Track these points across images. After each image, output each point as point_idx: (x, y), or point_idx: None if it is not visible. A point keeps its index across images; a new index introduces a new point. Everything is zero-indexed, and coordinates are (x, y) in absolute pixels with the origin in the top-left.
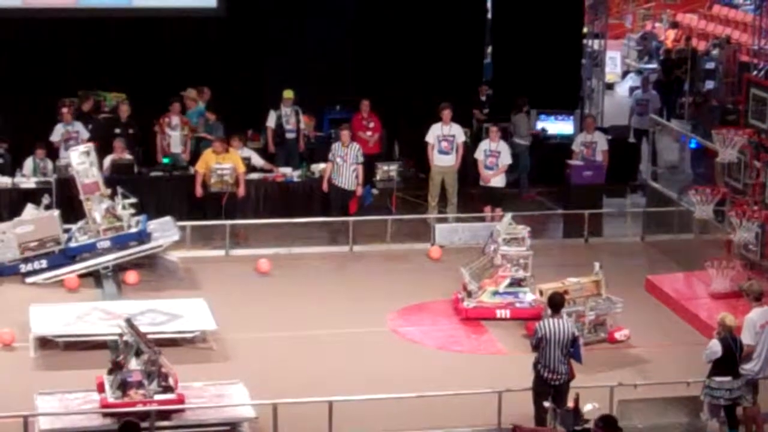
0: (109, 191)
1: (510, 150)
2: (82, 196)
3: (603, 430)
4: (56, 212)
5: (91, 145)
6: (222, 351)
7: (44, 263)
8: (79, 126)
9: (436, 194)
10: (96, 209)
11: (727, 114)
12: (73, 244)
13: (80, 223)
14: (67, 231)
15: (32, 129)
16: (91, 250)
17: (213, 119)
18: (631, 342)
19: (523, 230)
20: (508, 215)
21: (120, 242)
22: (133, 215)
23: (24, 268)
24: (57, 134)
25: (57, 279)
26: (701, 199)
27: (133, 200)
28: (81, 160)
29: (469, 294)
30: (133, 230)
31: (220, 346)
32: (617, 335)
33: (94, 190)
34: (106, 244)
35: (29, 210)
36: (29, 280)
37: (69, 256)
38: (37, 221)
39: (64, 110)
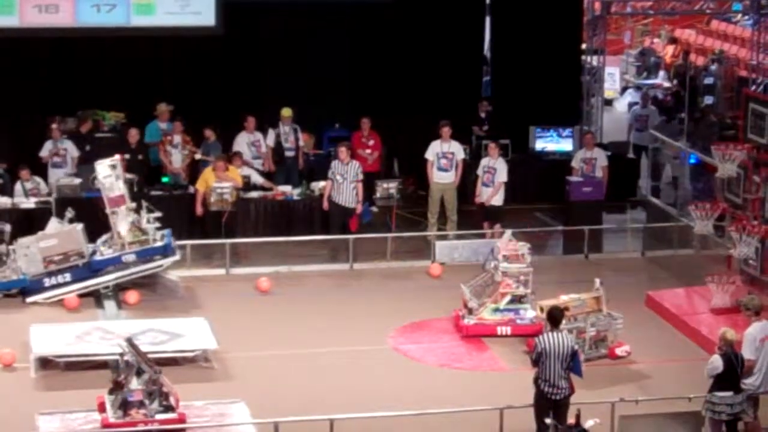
0: (134, 205)
1: (507, 167)
2: (107, 210)
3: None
4: (80, 225)
5: (117, 158)
6: (223, 370)
7: (68, 277)
8: (68, 143)
9: (435, 211)
10: (121, 223)
11: (725, 129)
12: (98, 258)
13: (105, 237)
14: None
15: (32, 149)
16: (116, 263)
17: (212, 138)
18: (632, 358)
19: (523, 247)
20: (508, 232)
21: (145, 256)
22: (158, 229)
23: (48, 282)
24: (45, 150)
25: (59, 298)
26: (701, 215)
27: (158, 214)
28: (107, 173)
29: (470, 311)
30: (158, 244)
31: (221, 365)
32: (618, 351)
33: (120, 203)
34: (132, 257)
35: (53, 223)
36: (30, 299)
37: (93, 270)
38: (60, 235)
39: (54, 126)
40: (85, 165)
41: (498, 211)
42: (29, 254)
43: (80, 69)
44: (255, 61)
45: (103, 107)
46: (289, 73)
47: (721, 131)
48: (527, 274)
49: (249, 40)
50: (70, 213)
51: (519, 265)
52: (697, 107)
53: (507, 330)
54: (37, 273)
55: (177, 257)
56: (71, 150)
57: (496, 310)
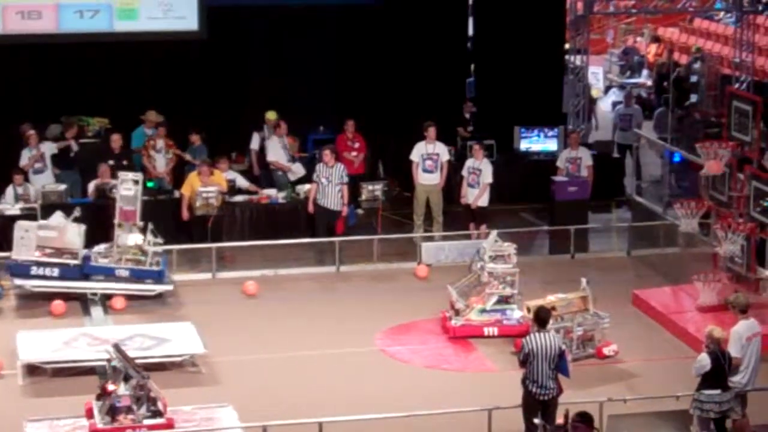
0: (141, 224)
1: (492, 168)
2: (116, 221)
3: (581, 425)
4: (82, 227)
5: (140, 175)
6: (211, 374)
7: (56, 272)
8: (44, 147)
9: (421, 213)
10: (125, 237)
11: (709, 127)
12: (92, 263)
13: (103, 246)
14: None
15: (14, 156)
16: (108, 273)
17: (197, 142)
18: (620, 357)
19: (509, 247)
20: (494, 232)
21: (138, 276)
22: (156, 254)
23: (35, 271)
24: (24, 158)
25: (47, 291)
26: (686, 213)
27: (160, 241)
28: (129, 186)
29: (457, 312)
30: (154, 268)
31: (209, 369)
32: (605, 350)
33: (130, 219)
34: (125, 273)
35: (57, 217)
36: (18, 281)
37: (83, 273)
38: (62, 229)
39: (30, 133)
40: (68, 171)
41: (484, 212)
42: (26, 238)
43: (64, 75)
44: (239, 64)
45: (87, 113)
46: (273, 76)
47: (706, 129)
48: (513, 274)
49: (233, 43)
50: (77, 212)
51: (505, 266)
52: (681, 105)
53: (494, 330)
54: (27, 259)
55: (170, 287)
56: (47, 154)
57: (483, 311)
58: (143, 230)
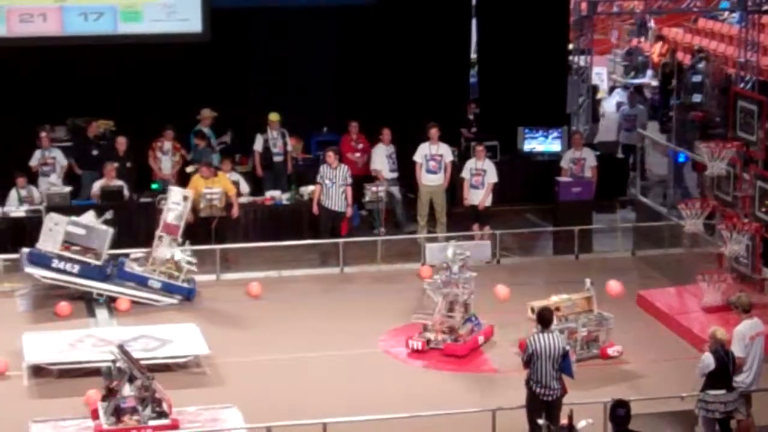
0: (181, 240)
1: (496, 168)
2: (157, 232)
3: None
4: (111, 230)
5: (191, 192)
6: (215, 375)
7: (76, 269)
8: (56, 152)
9: (424, 214)
10: (163, 249)
11: (710, 127)
12: (126, 269)
13: (139, 254)
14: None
15: (20, 158)
16: (140, 282)
17: (202, 145)
18: (624, 357)
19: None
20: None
21: (168, 290)
22: (189, 273)
23: (56, 263)
24: (35, 159)
25: (60, 285)
26: (691, 213)
27: (194, 260)
28: (178, 201)
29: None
30: (185, 285)
31: (213, 370)
32: (610, 351)
33: (173, 233)
34: (157, 284)
35: (89, 216)
36: (29, 269)
37: (103, 275)
38: (91, 229)
39: (43, 135)
40: (91, 171)
41: (487, 212)
42: (53, 230)
43: (68, 77)
44: (242, 66)
45: (92, 115)
46: (276, 77)
47: (707, 129)
48: (467, 280)
49: (236, 45)
50: (109, 215)
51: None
52: (683, 105)
53: (481, 338)
54: (51, 251)
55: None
56: (60, 159)
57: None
58: (181, 245)
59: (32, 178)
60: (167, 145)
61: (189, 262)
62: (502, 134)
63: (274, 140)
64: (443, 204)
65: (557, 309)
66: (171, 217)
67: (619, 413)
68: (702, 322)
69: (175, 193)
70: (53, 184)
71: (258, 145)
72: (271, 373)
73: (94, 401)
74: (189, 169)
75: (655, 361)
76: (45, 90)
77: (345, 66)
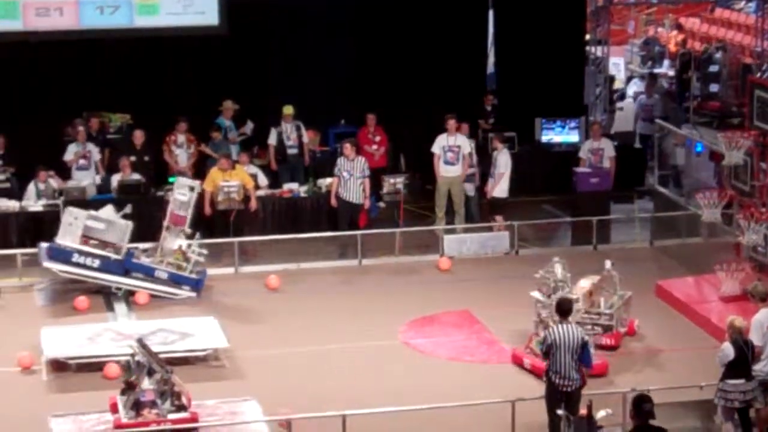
0: (189, 231)
1: (507, 159)
2: (165, 223)
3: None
4: (130, 224)
5: (198, 183)
6: (234, 368)
7: (96, 263)
8: (91, 146)
9: (443, 205)
10: (171, 241)
11: (727, 117)
12: (134, 260)
13: (148, 246)
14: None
15: (38, 152)
16: (148, 273)
17: (218, 138)
18: (643, 346)
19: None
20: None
21: (176, 280)
22: (198, 264)
23: (76, 258)
24: (70, 153)
25: (76, 278)
26: (709, 203)
27: (204, 252)
28: (184, 192)
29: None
30: (193, 276)
31: (232, 363)
32: (635, 327)
33: (180, 224)
34: (164, 275)
35: (108, 210)
36: (47, 264)
37: (123, 269)
38: (110, 223)
39: (80, 129)
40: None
41: (499, 203)
42: (73, 224)
43: (85, 71)
44: (259, 59)
45: (109, 109)
46: (293, 70)
47: (722, 119)
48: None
49: (253, 38)
50: (128, 209)
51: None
52: (701, 94)
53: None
54: (70, 245)
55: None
56: (94, 153)
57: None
58: (190, 237)
59: (66, 173)
60: (181, 138)
61: (200, 253)
62: (520, 125)
63: (288, 133)
64: (461, 195)
65: (591, 293)
66: (177, 208)
67: (647, 408)
68: (720, 311)
69: (181, 185)
70: (91, 180)
71: (272, 139)
72: (289, 366)
73: (114, 374)
74: (208, 151)
75: (673, 350)
76: (61, 84)
77: (362, 58)
